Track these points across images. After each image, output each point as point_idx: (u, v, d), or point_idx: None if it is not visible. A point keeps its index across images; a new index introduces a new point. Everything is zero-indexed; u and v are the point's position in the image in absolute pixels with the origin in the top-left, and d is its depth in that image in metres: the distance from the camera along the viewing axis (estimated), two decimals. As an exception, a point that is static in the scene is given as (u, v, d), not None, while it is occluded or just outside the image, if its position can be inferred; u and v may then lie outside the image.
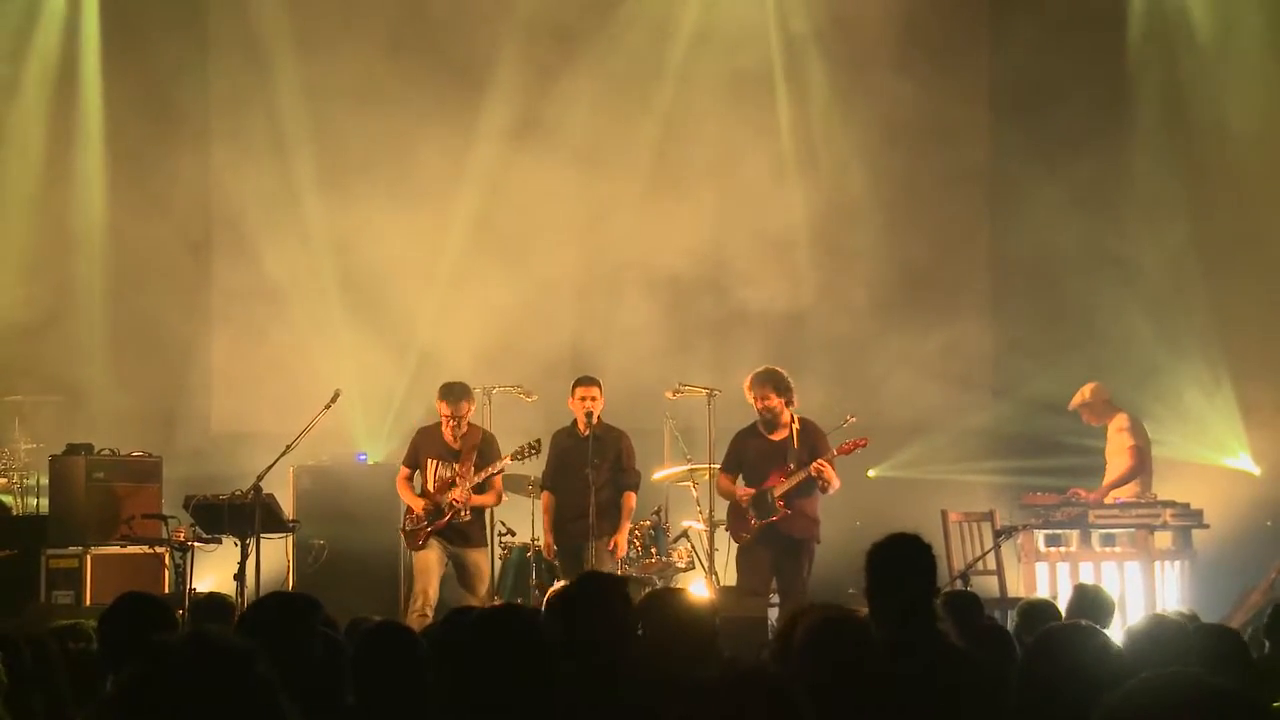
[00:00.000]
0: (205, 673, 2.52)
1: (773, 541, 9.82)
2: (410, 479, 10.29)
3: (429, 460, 10.19)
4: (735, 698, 3.41)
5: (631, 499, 10.35)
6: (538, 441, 10.13)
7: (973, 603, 6.50)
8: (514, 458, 10.03)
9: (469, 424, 10.19)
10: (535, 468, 10.62)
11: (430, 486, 10.15)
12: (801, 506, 9.78)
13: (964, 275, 13.55)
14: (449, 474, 10.10)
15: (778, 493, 9.75)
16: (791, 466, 9.77)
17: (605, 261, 13.07)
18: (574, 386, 10.41)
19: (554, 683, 3.78)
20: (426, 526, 10.03)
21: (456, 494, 9.99)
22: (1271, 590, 10.63)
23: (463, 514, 10.04)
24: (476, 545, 10.17)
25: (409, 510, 10.21)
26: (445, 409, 10.09)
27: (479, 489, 10.10)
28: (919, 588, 4.83)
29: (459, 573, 10.12)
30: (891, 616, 4.70)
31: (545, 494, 10.45)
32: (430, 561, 10.02)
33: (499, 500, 10.36)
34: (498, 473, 10.13)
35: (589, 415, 10.22)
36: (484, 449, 10.15)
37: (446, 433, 10.15)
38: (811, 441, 9.86)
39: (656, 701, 3.73)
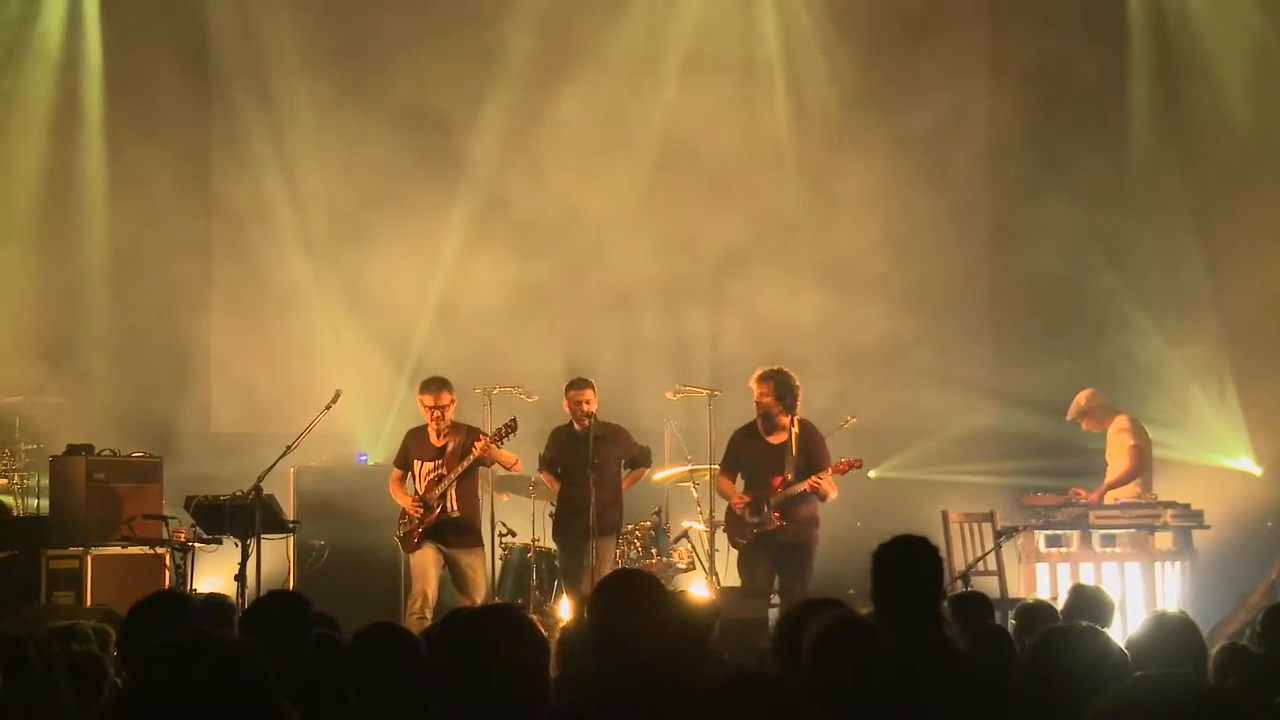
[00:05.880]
0: (207, 672, 2.53)
1: (771, 546, 9.76)
2: (402, 480, 10.24)
3: (417, 461, 10.16)
4: (736, 698, 3.41)
5: (642, 473, 10.54)
6: (514, 421, 10.04)
7: (980, 604, 6.48)
8: (494, 439, 9.96)
9: (453, 422, 10.13)
10: (533, 463, 10.65)
11: (419, 487, 10.12)
12: (797, 513, 9.72)
13: (964, 276, 13.54)
14: (434, 471, 10.07)
15: (773, 503, 9.70)
16: (789, 477, 9.69)
17: (605, 263, 13.05)
18: (567, 389, 10.43)
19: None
20: (418, 526, 10.00)
21: (442, 487, 9.96)
22: (1271, 591, 10.61)
23: (451, 510, 9.99)
24: (469, 547, 10.08)
25: (402, 514, 10.17)
26: (428, 400, 10.03)
27: (469, 472, 10.02)
28: (925, 590, 4.79)
29: (453, 575, 10.07)
30: (897, 618, 4.64)
31: (544, 473, 10.51)
32: (426, 563, 9.98)
33: (511, 464, 10.18)
34: (480, 459, 9.97)
35: (586, 416, 10.23)
36: (468, 444, 10.08)
37: (431, 431, 10.11)
38: (809, 448, 9.78)
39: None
